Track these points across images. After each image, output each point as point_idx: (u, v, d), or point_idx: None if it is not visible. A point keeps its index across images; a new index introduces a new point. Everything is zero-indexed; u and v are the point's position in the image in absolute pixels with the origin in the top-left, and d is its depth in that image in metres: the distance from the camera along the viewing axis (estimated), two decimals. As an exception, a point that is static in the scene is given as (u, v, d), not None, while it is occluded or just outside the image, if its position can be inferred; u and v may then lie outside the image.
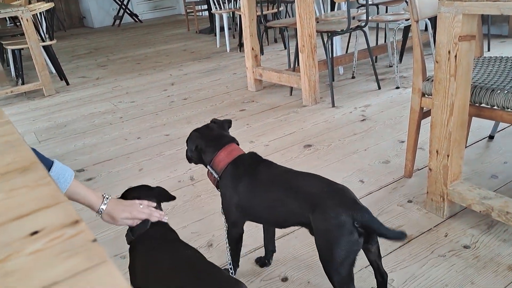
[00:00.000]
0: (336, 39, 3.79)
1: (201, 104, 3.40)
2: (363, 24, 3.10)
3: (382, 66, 3.85)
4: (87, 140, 2.90)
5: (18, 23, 6.08)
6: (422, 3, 1.69)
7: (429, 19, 3.49)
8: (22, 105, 3.89)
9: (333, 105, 3.02)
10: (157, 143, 2.72)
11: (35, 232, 0.36)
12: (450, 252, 1.49)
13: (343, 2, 3.57)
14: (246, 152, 1.35)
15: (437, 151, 1.61)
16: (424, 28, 3.80)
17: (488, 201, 1.51)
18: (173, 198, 1.31)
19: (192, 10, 6.94)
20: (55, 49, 4.70)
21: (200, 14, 8.26)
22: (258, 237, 1.59)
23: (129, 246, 1.16)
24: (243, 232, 1.37)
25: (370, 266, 1.25)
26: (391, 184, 1.95)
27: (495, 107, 1.56)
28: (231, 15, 6.25)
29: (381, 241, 1.59)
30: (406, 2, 3.62)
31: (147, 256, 1.07)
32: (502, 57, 1.92)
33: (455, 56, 1.44)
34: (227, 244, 1.38)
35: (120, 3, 8.64)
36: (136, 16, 9.10)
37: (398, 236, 1.13)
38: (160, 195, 1.28)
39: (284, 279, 1.44)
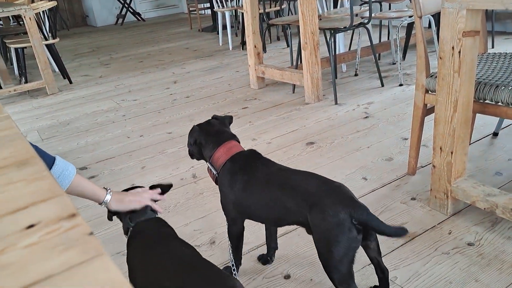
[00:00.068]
0: (339, 36, 3.78)
1: (204, 102, 3.40)
2: (366, 21, 3.09)
3: (385, 64, 3.83)
4: (89, 138, 2.90)
5: (21, 22, 6.10)
6: (426, -2, 1.68)
7: (432, 15, 3.47)
8: (25, 104, 3.89)
9: (336, 103, 3.00)
10: (159, 141, 2.72)
11: (31, 226, 0.35)
12: (454, 249, 1.48)
13: (346, -1, 3.56)
14: (246, 149, 1.35)
15: (440, 148, 1.59)
16: (427, 25, 3.78)
17: (493, 198, 1.49)
18: (170, 185, 1.33)
19: (195, 9, 6.94)
20: (58, 48, 4.70)
21: (203, 13, 8.26)
22: (261, 234, 1.58)
23: (127, 239, 1.16)
24: (243, 229, 1.36)
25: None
26: (394, 181, 1.94)
27: (500, 104, 1.54)
28: (234, 13, 6.23)
29: (384, 238, 1.58)
30: (410, -1, 3.59)
31: (144, 252, 1.07)
32: (506, 53, 1.90)
33: (459, 52, 1.42)
34: (229, 241, 1.38)
35: (123, 2, 8.65)
36: (139, 14, 9.11)
37: (398, 233, 1.12)
38: (159, 186, 1.30)
39: (287, 277, 1.44)
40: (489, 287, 1.30)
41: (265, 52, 4.77)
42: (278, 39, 5.56)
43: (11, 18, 6.36)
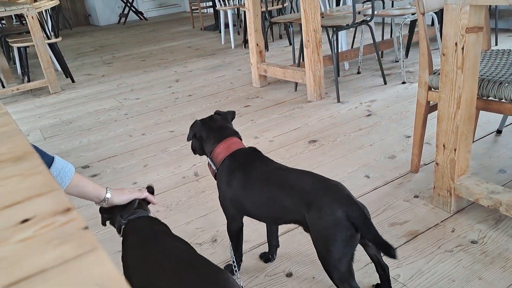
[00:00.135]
0: (342, 34, 3.76)
1: (206, 100, 3.39)
2: (368, 18, 3.07)
3: (388, 61, 3.81)
4: (92, 136, 2.90)
5: (24, 21, 6.11)
6: (428, -5, 1.66)
7: (435, 13, 3.45)
8: (28, 103, 3.90)
9: (338, 101, 2.99)
10: (161, 139, 2.72)
11: (26, 220, 0.35)
12: (457, 247, 1.47)
13: (349, -3, 3.54)
14: (246, 147, 1.34)
15: (444, 145, 1.58)
16: (430, 23, 3.76)
17: (496, 195, 1.48)
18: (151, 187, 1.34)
19: (197, 7, 6.93)
20: (61, 47, 4.71)
21: (205, 11, 8.25)
22: (263, 232, 1.58)
23: (121, 238, 1.16)
24: (242, 226, 1.36)
25: (375, 261, 1.23)
26: (397, 179, 1.93)
27: (503, 101, 1.53)
28: (236, 12, 6.22)
29: (386, 237, 1.57)
30: (412, -4, 3.58)
31: (138, 249, 1.08)
32: (510, 50, 1.88)
33: (462, 48, 1.41)
34: (229, 239, 1.38)
35: (125, 1, 8.65)
36: (141, 13, 9.11)
37: (388, 249, 1.05)
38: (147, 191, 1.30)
39: (289, 275, 1.43)
40: (493, 285, 1.29)
41: (267, 51, 4.76)
42: (281, 37, 5.55)
43: (13, 17, 6.38)
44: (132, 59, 5.33)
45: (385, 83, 3.22)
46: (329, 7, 4.27)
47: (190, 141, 1.41)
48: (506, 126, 2.26)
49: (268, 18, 3.84)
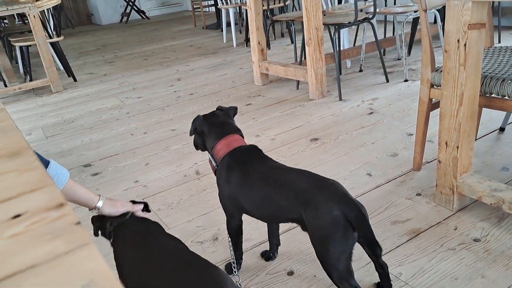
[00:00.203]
0: (343, 32, 3.75)
1: (208, 99, 3.39)
2: (370, 16, 3.06)
3: (390, 59, 3.80)
4: (94, 135, 2.90)
5: (26, 20, 6.11)
6: (431, -9, 1.65)
7: (437, 10, 3.44)
8: (30, 102, 3.91)
9: (340, 99, 2.98)
10: (163, 138, 2.71)
11: (17, 216, 0.34)
12: (460, 245, 1.46)
13: (351, -5, 3.53)
14: (247, 145, 1.34)
15: (446, 143, 1.57)
16: (433, 21, 3.75)
17: (499, 193, 1.47)
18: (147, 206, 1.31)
19: (199, 6, 6.93)
20: (63, 46, 4.71)
21: (207, 10, 8.25)
22: (264, 231, 1.57)
23: (112, 240, 1.16)
24: (241, 223, 1.35)
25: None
26: (399, 177, 1.92)
27: (506, 98, 1.52)
28: (238, 10, 6.21)
29: (387, 235, 1.56)
30: (415, -7, 3.56)
31: (129, 248, 1.07)
32: (513, 46, 1.87)
33: (465, 45, 1.40)
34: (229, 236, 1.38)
35: (127, 0, 8.66)
36: (143, 12, 9.11)
37: (376, 247, 1.16)
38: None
39: (290, 273, 1.43)
40: (496, 283, 1.28)
41: (269, 49, 4.75)
42: (282, 35, 5.54)
43: (16, 17, 6.39)
44: (134, 58, 5.33)
45: (387, 81, 3.21)
46: (331, 5, 4.26)
47: (193, 137, 1.41)
48: (509, 123, 2.24)
49: (270, 16, 3.83)
